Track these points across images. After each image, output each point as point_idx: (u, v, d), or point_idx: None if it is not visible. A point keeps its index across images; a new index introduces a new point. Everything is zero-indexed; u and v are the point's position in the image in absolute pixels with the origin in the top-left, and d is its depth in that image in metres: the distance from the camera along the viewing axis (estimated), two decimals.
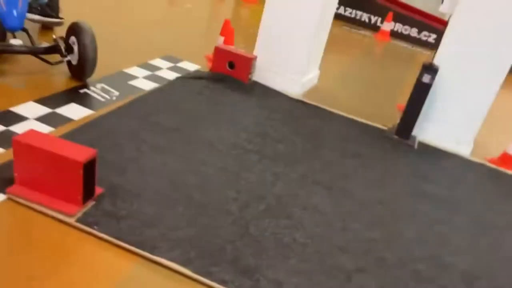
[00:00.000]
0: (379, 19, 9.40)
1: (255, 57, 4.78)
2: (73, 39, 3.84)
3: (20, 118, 3.24)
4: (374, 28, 9.43)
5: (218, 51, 4.76)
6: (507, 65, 4.20)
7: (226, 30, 5.12)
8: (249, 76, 4.77)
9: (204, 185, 3.01)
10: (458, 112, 4.40)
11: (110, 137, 3.25)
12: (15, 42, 3.72)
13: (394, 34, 9.30)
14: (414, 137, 4.51)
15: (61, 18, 4.64)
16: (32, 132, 2.55)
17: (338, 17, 9.45)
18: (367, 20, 9.54)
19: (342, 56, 7.36)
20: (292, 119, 4.38)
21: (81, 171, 2.38)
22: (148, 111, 3.78)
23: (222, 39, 5.11)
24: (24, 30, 3.82)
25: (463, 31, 4.17)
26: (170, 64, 4.94)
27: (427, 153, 4.37)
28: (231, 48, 4.95)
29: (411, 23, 9.24)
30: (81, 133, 3.22)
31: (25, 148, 2.44)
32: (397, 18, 9.20)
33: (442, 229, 3.23)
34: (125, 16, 6.46)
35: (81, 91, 3.85)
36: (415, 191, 3.64)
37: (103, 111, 3.61)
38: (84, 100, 3.71)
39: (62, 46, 3.82)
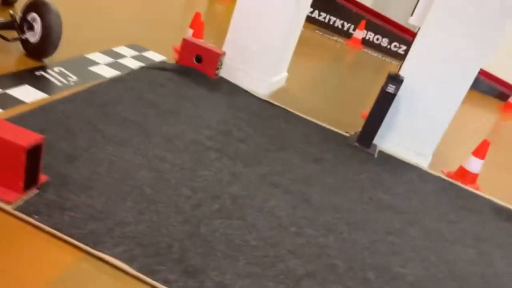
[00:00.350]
0: (352, 26, 9.47)
1: (224, 53, 4.70)
2: (33, 15, 3.67)
3: None
4: (347, 34, 9.50)
5: (186, 43, 4.66)
6: (469, 81, 4.28)
7: (196, 23, 5.02)
8: (216, 71, 4.68)
9: (158, 181, 2.91)
10: (420, 124, 4.46)
11: (63, 124, 3.11)
12: None
13: (366, 43, 9.40)
14: (375, 146, 4.54)
15: None
16: None
17: (311, 20, 9.50)
18: (340, 26, 9.60)
19: (312, 60, 7.37)
20: (257, 119, 4.33)
21: (23, 156, 2.24)
22: (107, 99, 3.64)
23: (191, 31, 5.00)
24: None
25: (430, 44, 4.22)
26: (135, 53, 4.80)
27: (386, 162, 4.40)
28: (199, 41, 4.85)
29: (383, 33, 9.36)
30: (32, 117, 3.06)
31: None
32: (369, 27, 9.31)
33: (395, 240, 3.24)
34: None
35: (37, 73, 3.67)
36: (372, 200, 3.65)
37: (59, 95, 3.45)
38: (39, 83, 3.54)
39: (19, 22, 3.66)
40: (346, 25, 9.55)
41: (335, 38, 9.32)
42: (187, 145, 3.43)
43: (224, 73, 4.84)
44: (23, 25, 3.71)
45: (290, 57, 5.38)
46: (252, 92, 4.80)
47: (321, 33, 9.27)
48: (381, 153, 4.53)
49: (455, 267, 3.17)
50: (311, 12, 9.54)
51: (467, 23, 4.07)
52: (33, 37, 3.71)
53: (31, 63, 3.77)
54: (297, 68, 6.03)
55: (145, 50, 4.97)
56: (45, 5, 3.66)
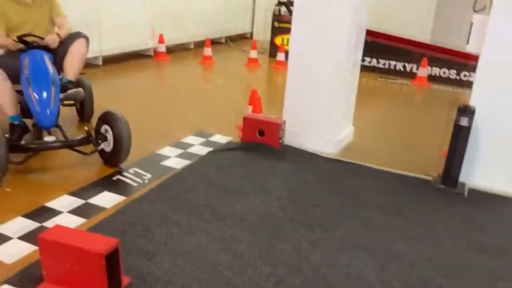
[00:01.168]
0: (414, 65, 9.26)
1: (284, 122, 4.75)
2: (105, 127, 4.03)
3: (54, 213, 3.31)
4: (411, 75, 9.27)
5: (246, 120, 4.79)
6: None
7: (254, 99, 5.18)
8: (280, 141, 4.72)
9: (237, 262, 2.88)
10: (505, 150, 4.10)
11: (140, 223, 3.24)
12: (49, 139, 3.96)
13: (433, 79, 9.08)
14: (463, 184, 4.20)
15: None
16: (57, 228, 2.58)
17: (371, 69, 9.44)
18: (402, 69, 9.42)
19: (379, 108, 7.22)
20: (328, 180, 4.23)
21: (103, 263, 2.34)
22: (179, 190, 3.77)
23: (250, 108, 5.16)
24: (58, 126, 4.02)
25: (493, 68, 3.97)
26: (202, 140, 5.00)
27: (479, 200, 4.04)
28: (259, 116, 4.97)
29: (448, 65, 9.02)
30: (112, 221, 3.23)
31: (50, 244, 2.45)
32: (432, 62, 9.04)
33: (506, 286, 2.88)
34: (157, 97, 6.73)
35: (114, 178, 3.93)
36: (469, 244, 3.32)
37: (135, 195, 3.64)
38: (116, 187, 3.77)
39: (94, 136, 4.05)
40: (408, 66, 9.36)
41: (399, 81, 9.12)
42: (261, 221, 3.41)
43: (288, 140, 4.86)
44: (98, 137, 4.05)
45: (353, 109, 5.31)
46: (319, 154, 4.74)
47: (383, 79, 9.13)
48: (472, 190, 4.18)
49: None
50: (370, 61, 9.51)
51: None
52: (107, 146, 4.03)
53: (108, 170, 4.05)
54: (364, 119, 5.92)
55: (211, 135, 5.17)
56: (114, 116, 4.01)
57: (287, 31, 9.89)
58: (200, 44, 10.33)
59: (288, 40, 9.92)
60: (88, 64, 7.19)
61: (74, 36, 4.58)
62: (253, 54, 9.58)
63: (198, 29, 10.58)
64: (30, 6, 4.38)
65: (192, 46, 10.75)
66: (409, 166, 4.61)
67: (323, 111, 4.75)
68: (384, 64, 9.53)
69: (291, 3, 10.47)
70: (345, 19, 4.48)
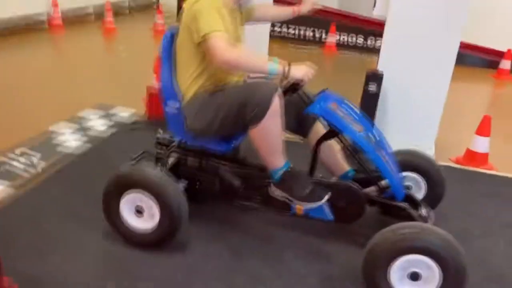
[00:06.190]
0: (323, 31, 9.29)
1: None
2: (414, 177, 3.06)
3: None
4: (321, 42, 9.31)
5: (151, 92, 4.41)
6: (452, 58, 3.99)
7: (159, 66, 4.77)
8: None
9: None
10: (412, 117, 4.16)
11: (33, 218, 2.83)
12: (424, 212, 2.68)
13: (341, 45, 9.19)
14: None
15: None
16: None
17: (283, 37, 9.35)
18: (311, 35, 9.42)
19: None
20: None
21: None
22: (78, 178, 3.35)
23: (155, 76, 4.76)
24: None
25: (400, 32, 3.96)
26: (102, 113, 4.55)
27: None
28: None
29: (355, 31, 9.17)
30: None
31: None
32: (340, 29, 9.12)
33: None
34: (53, 68, 6.09)
35: None
36: None
37: (23, 185, 3.18)
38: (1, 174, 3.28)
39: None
40: (318, 32, 9.37)
41: (309, 48, 9.11)
42: None
43: None
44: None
45: None
46: None
47: (294, 46, 9.07)
48: None
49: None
50: (280, 27, 9.38)
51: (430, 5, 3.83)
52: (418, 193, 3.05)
53: None
54: None
55: (112, 107, 4.71)
56: (429, 161, 3.10)
57: None
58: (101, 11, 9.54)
59: None
60: None
61: None
62: (160, 19, 9.04)
63: None
64: (234, 23, 2.80)
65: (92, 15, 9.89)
66: None
67: None
68: (294, 30, 9.45)
69: None
70: None
